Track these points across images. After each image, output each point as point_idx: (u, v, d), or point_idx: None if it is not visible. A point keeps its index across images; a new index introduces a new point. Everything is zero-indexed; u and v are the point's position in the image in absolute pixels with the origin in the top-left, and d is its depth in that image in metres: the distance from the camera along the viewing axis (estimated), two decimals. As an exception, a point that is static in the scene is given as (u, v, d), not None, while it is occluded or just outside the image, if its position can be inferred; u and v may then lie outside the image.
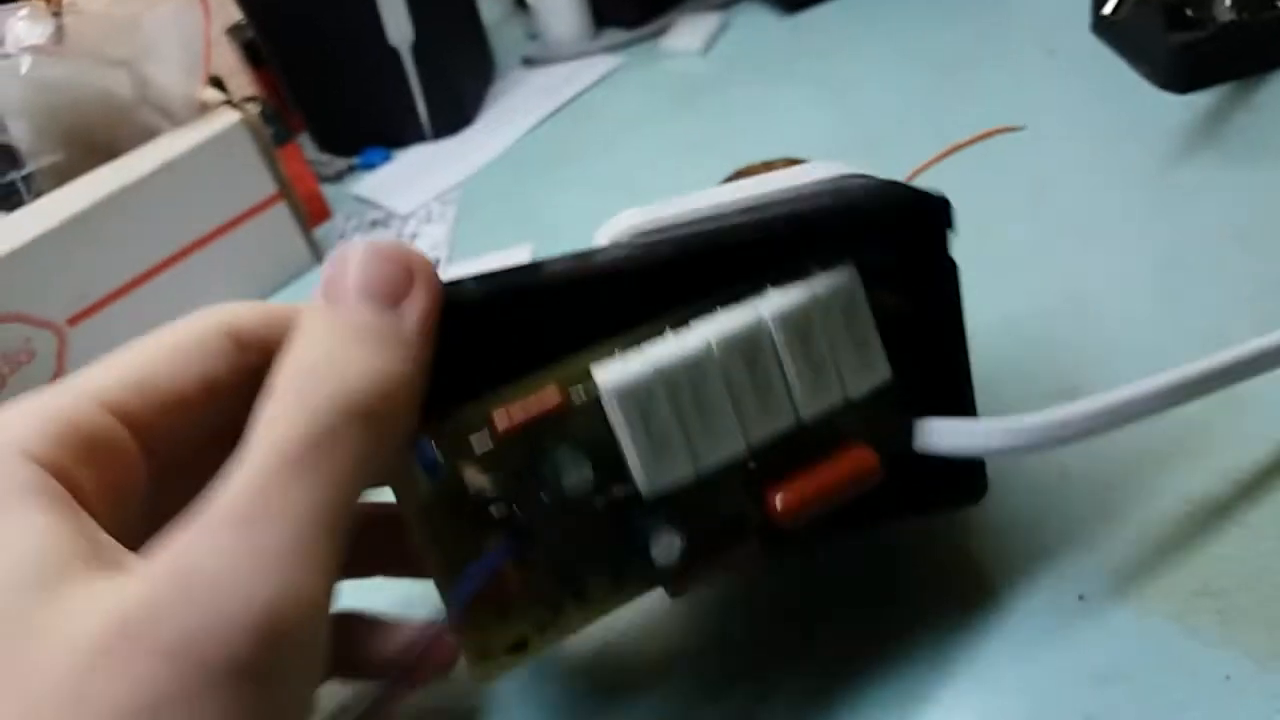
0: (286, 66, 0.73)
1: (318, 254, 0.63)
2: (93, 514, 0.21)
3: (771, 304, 0.26)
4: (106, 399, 0.23)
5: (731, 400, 0.26)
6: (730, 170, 0.54)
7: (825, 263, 0.27)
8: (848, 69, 0.64)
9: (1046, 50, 0.59)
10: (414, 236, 0.63)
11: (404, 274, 0.23)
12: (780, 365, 0.26)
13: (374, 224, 0.66)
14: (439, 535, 0.24)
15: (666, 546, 0.25)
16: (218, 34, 0.77)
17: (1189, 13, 0.49)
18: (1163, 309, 0.41)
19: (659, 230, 0.29)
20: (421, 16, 0.67)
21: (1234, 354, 0.32)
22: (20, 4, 0.56)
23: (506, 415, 0.24)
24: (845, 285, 0.27)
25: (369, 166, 0.72)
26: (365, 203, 0.69)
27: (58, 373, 0.55)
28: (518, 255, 0.57)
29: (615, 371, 0.25)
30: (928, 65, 0.61)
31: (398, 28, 0.67)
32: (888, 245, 0.28)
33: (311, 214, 0.65)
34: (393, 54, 0.68)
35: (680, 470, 0.25)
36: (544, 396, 0.24)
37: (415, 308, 0.23)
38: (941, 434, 0.29)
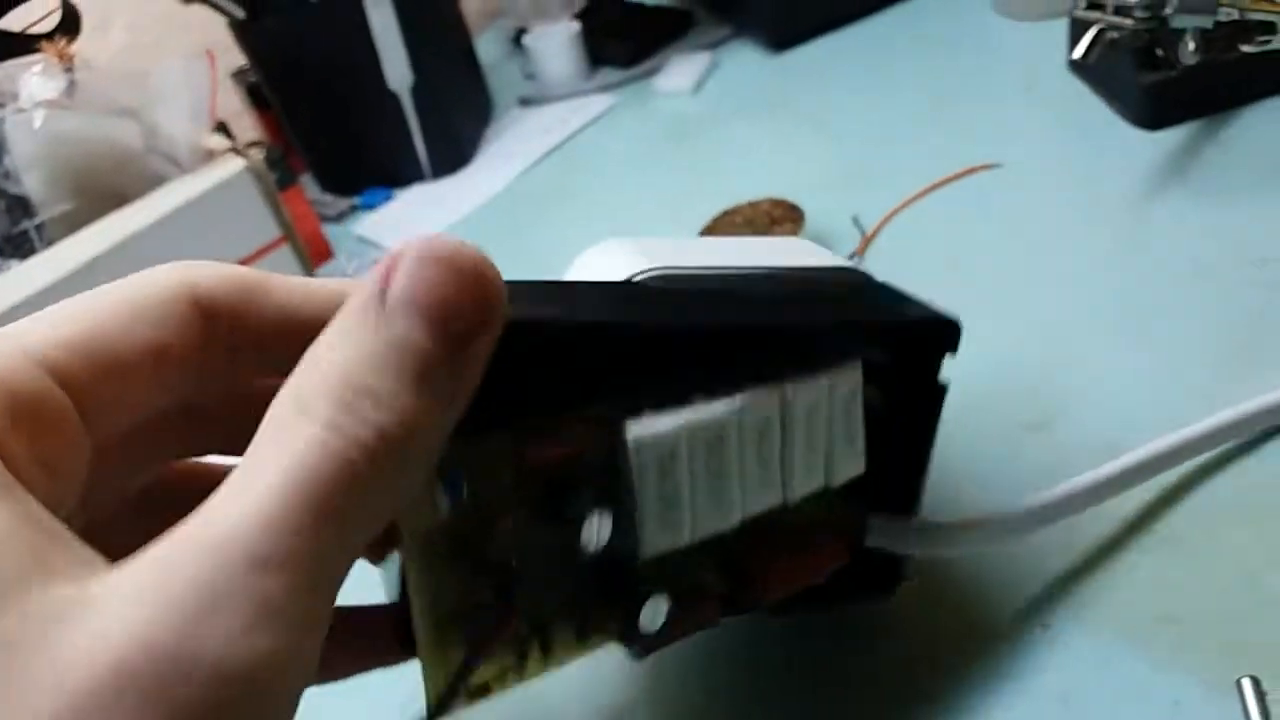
0: (289, 110, 0.75)
1: (321, 294, 0.65)
2: (27, 488, 0.18)
3: (794, 389, 0.27)
4: (45, 358, 0.20)
5: (739, 473, 0.27)
6: (718, 211, 0.56)
7: (839, 356, 0.29)
8: (833, 107, 0.66)
9: (1026, 87, 0.61)
10: (414, 275, 0.65)
11: (482, 309, 0.20)
12: (784, 446, 0.27)
13: (375, 264, 0.67)
14: (435, 570, 0.23)
15: (654, 612, 0.26)
16: (222, 78, 0.79)
17: (1159, 52, 0.51)
18: (1131, 342, 0.42)
19: (682, 278, 0.30)
20: (421, 61, 0.70)
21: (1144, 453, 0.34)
22: (34, 59, 0.58)
23: (538, 449, 0.23)
24: (852, 383, 0.29)
25: (370, 206, 0.74)
26: (366, 242, 0.71)
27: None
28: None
29: (646, 425, 0.25)
30: (911, 102, 0.63)
31: (397, 73, 0.69)
32: (891, 352, 0.31)
33: (314, 254, 0.67)
34: (393, 97, 0.70)
35: (679, 536, 0.26)
36: (573, 437, 0.24)
37: (480, 350, 0.20)
38: (884, 533, 0.32)
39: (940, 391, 0.31)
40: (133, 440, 0.22)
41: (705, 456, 0.26)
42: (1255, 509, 0.34)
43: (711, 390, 0.26)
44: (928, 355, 0.31)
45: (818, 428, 0.28)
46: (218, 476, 0.24)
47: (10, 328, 0.20)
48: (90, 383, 0.20)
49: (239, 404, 0.25)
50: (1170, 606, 0.33)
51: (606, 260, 0.31)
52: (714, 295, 0.29)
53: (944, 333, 0.31)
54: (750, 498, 0.27)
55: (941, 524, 0.32)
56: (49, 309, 0.21)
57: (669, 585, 0.27)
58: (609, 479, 0.25)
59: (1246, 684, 0.28)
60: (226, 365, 0.23)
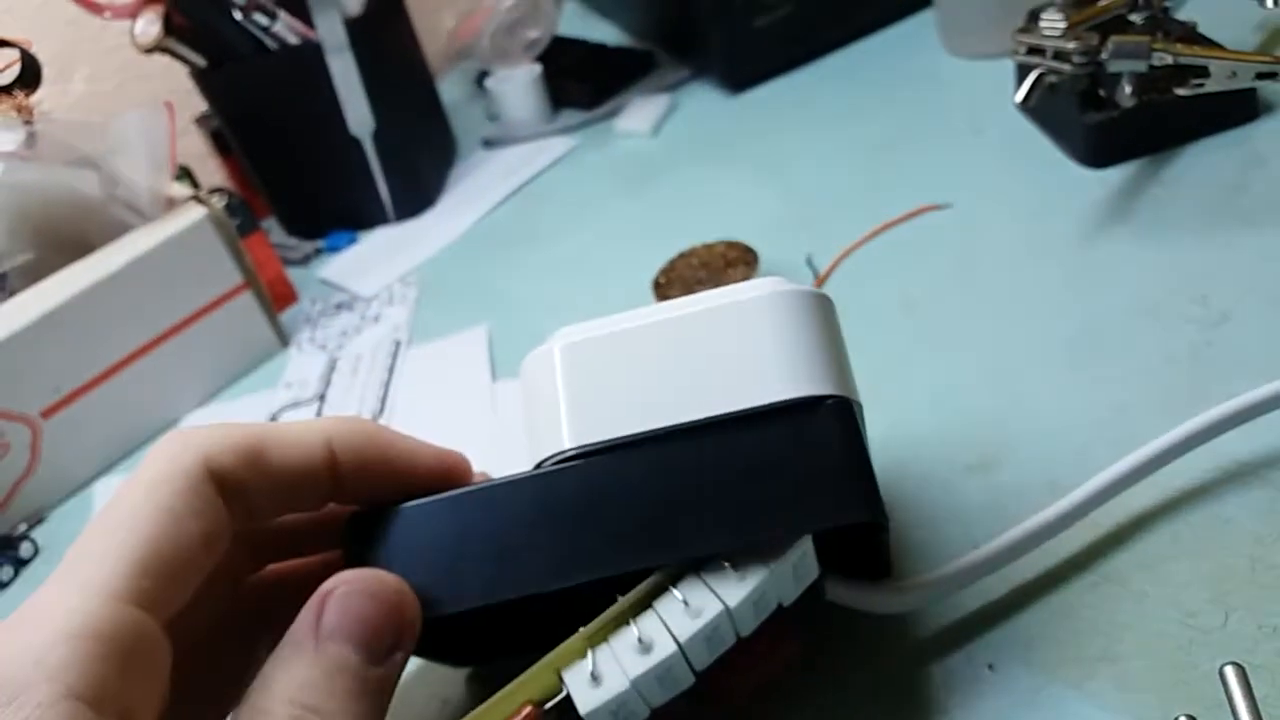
0: (252, 155, 0.75)
1: (284, 339, 0.66)
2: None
3: (734, 593, 0.27)
4: (124, 592, 0.23)
5: (691, 663, 0.28)
6: (674, 253, 0.57)
7: (780, 543, 0.28)
8: (788, 148, 0.67)
9: (975, 128, 0.62)
10: (377, 318, 0.65)
11: (400, 628, 0.25)
12: (733, 624, 0.28)
13: (339, 307, 0.68)
14: None
15: None
16: (186, 123, 0.80)
17: (1102, 93, 0.52)
18: (1074, 381, 0.43)
19: (594, 452, 0.30)
20: (382, 105, 0.70)
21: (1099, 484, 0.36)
22: (-8, 112, 0.58)
23: None
24: (799, 552, 0.29)
25: (335, 249, 0.75)
26: (331, 286, 0.71)
27: (32, 463, 0.57)
28: (474, 338, 0.59)
29: (591, 696, 0.26)
30: (864, 143, 0.64)
31: (358, 118, 0.69)
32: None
33: (278, 298, 0.67)
34: (355, 141, 0.71)
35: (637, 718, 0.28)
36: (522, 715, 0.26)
37: (402, 658, 0.25)
38: (846, 594, 0.34)
39: (880, 528, 0.31)
40: (199, 599, 0.26)
41: (656, 684, 0.27)
42: (1192, 547, 0.35)
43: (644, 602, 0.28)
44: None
45: (768, 597, 0.29)
46: (287, 579, 0.31)
47: (83, 572, 0.23)
48: (166, 591, 0.23)
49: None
50: (1112, 645, 0.33)
51: (549, 387, 0.32)
52: (628, 503, 0.29)
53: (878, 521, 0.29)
54: (702, 662, 0.28)
55: (898, 584, 0.34)
56: (100, 535, 0.24)
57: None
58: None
59: (1182, 722, 0.29)
60: (351, 492, 0.28)
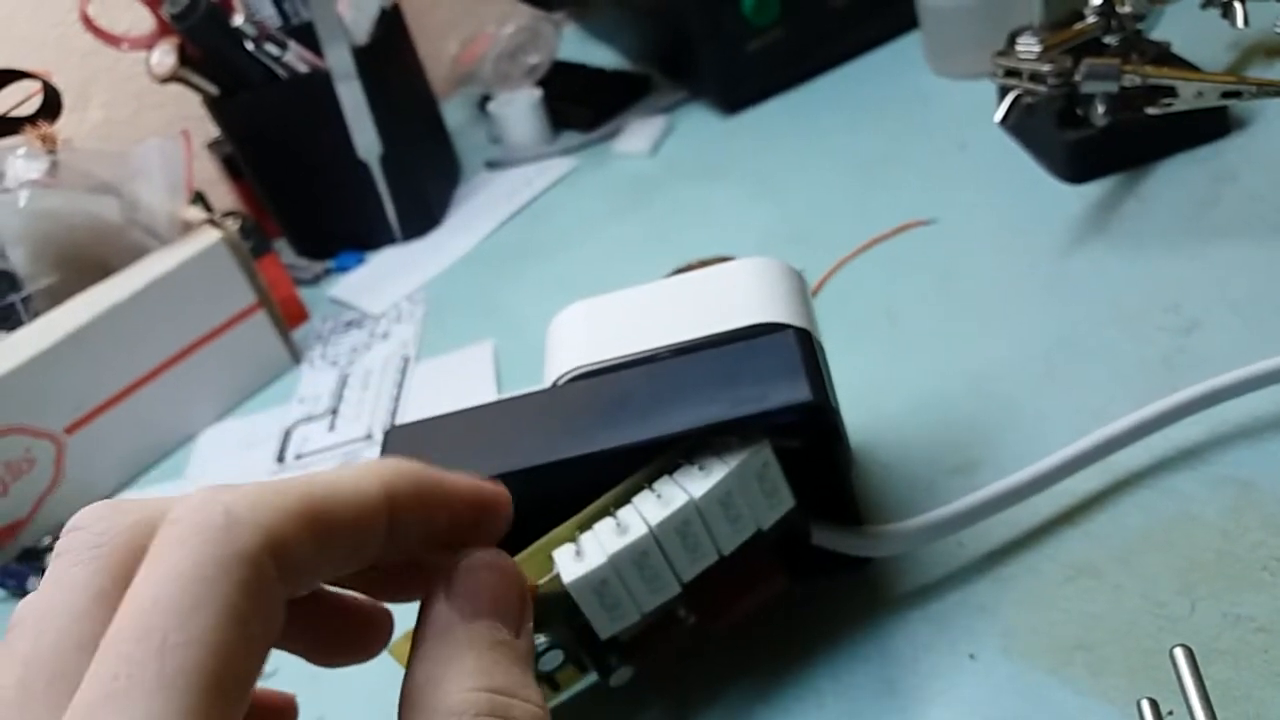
0: (263, 179, 0.78)
1: (296, 356, 0.68)
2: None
3: (699, 486, 0.31)
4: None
5: (668, 562, 0.32)
6: (672, 267, 0.59)
7: (744, 437, 0.32)
8: (781, 167, 0.69)
9: (960, 144, 0.64)
10: (386, 335, 0.67)
11: (522, 599, 0.25)
12: (707, 528, 0.32)
13: (349, 324, 0.70)
14: None
15: (620, 676, 0.34)
16: (198, 149, 0.82)
17: (1078, 112, 0.55)
18: (1053, 388, 0.45)
19: (598, 371, 0.36)
20: (389, 130, 0.73)
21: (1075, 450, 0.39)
22: (17, 142, 0.61)
23: None
24: (760, 458, 0.32)
25: (344, 269, 0.77)
26: (340, 304, 0.73)
27: (55, 478, 0.60)
28: (480, 352, 0.62)
29: (574, 568, 0.30)
30: (854, 161, 0.67)
31: (366, 143, 0.72)
32: (791, 420, 0.33)
33: (290, 317, 0.70)
34: (363, 165, 0.73)
35: (629, 619, 0.32)
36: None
37: (530, 634, 0.25)
38: (829, 538, 0.37)
39: (831, 433, 0.34)
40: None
41: (634, 569, 0.31)
42: (1163, 542, 0.37)
43: (625, 495, 0.32)
44: (821, 421, 0.34)
45: (736, 504, 0.32)
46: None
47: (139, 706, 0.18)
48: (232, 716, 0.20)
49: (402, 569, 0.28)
50: (1086, 634, 0.35)
51: (565, 333, 0.39)
52: (621, 400, 0.34)
53: (822, 411, 0.33)
54: (686, 570, 0.32)
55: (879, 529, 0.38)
56: (153, 662, 0.18)
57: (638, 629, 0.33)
58: (564, 605, 0.31)
59: (1145, 705, 0.30)
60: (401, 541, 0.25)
